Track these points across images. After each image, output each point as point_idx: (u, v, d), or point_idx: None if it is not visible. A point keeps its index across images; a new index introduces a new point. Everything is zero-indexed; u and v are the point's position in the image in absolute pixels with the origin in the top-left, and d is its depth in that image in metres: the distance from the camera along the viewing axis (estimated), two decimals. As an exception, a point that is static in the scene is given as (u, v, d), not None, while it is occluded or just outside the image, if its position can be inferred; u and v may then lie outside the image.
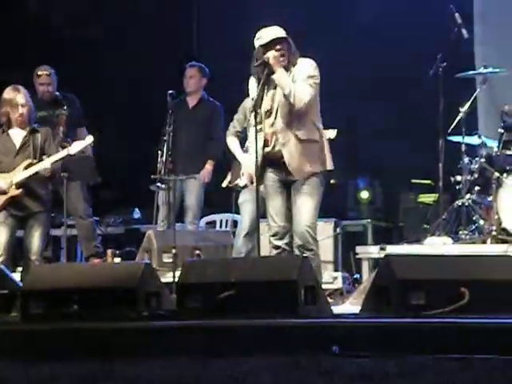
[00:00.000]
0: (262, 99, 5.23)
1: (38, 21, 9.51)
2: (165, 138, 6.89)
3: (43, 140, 6.21)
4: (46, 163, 6.09)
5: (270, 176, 5.35)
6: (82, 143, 6.30)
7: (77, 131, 7.43)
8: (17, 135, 6.23)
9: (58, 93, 7.43)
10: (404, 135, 8.61)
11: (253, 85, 5.32)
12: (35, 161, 6.14)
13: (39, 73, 7.35)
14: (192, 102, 7.56)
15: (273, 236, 5.33)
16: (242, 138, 6.59)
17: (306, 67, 5.26)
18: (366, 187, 8.82)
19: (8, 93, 6.19)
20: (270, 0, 8.27)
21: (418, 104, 8.30)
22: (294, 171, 5.24)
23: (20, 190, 6.10)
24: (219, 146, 7.22)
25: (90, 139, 6.38)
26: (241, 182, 6.65)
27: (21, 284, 5.01)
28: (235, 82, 5.85)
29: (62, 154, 6.15)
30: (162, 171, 7.02)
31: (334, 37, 8.61)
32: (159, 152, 7.27)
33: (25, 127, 6.23)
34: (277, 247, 5.32)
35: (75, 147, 6.22)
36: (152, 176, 7.24)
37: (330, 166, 5.35)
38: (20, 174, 6.12)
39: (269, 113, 5.26)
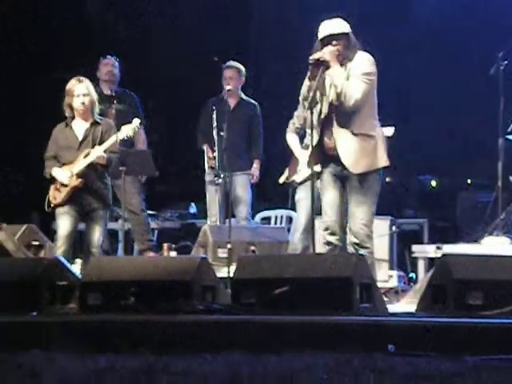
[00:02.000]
0: (316, 94, 5.20)
1: (93, 21, 9.63)
2: (214, 134, 7.00)
3: (104, 131, 6.30)
4: (100, 150, 6.16)
5: (326, 170, 5.33)
6: (130, 126, 6.34)
7: None
8: (79, 128, 6.32)
9: (117, 88, 7.53)
10: (463, 134, 8.52)
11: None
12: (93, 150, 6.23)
13: (107, 58, 7.48)
14: (232, 102, 7.60)
15: (325, 230, 5.31)
16: (302, 135, 6.62)
17: (363, 63, 5.21)
18: (433, 178, 8.78)
19: (70, 83, 6.30)
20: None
21: (477, 102, 8.20)
22: (349, 165, 5.21)
23: (80, 179, 6.20)
24: (261, 145, 7.56)
25: (136, 122, 6.43)
26: (298, 177, 6.65)
27: (80, 276, 5.08)
28: (295, 79, 5.83)
29: (113, 139, 6.23)
30: (217, 166, 7.09)
31: (397, 36, 8.57)
32: (204, 148, 7.37)
33: (87, 118, 6.31)
34: (329, 243, 5.30)
35: (123, 131, 6.29)
36: (207, 171, 7.32)
37: (385, 162, 5.30)
38: (80, 163, 6.21)
39: (324, 106, 5.24)
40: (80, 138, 6.29)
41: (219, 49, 8.44)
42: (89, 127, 6.31)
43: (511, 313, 4.13)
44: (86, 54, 8.12)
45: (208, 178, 7.49)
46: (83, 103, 6.24)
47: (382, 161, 5.29)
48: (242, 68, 7.62)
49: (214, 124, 7.16)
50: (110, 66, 7.52)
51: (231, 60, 7.59)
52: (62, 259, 5.24)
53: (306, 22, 5.51)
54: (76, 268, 6.08)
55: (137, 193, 7.51)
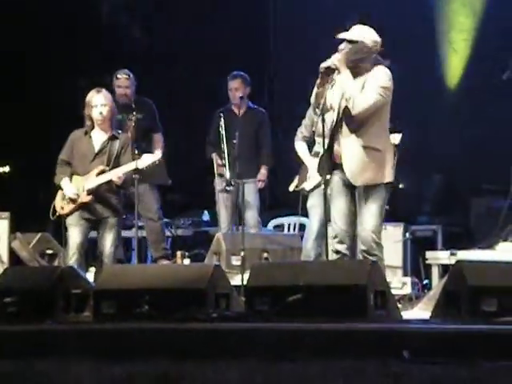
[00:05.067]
0: (327, 101, 5.20)
1: (110, 28, 9.69)
2: (224, 142, 7.04)
3: (120, 147, 6.30)
4: (116, 173, 6.16)
5: (335, 178, 5.33)
6: (151, 159, 6.33)
7: (152, 136, 7.54)
8: (98, 139, 6.33)
9: (132, 97, 7.55)
10: (475, 139, 8.51)
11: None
12: (107, 168, 6.23)
13: (118, 75, 7.51)
14: (240, 111, 7.62)
15: (334, 238, 5.30)
16: (310, 143, 6.63)
17: (381, 76, 5.19)
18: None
19: (89, 94, 6.34)
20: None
21: (492, 108, 8.20)
22: (351, 177, 5.19)
23: (90, 196, 6.19)
24: (270, 152, 7.62)
25: (158, 155, 6.45)
26: (307, 185, 6.65)
27: (93, 284, 5.09)
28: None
29: (131, 166, 6.21)
30: (227, 174, 7.12)
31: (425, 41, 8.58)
32: (213, 156, 7.40)
33: (106, 129, 6.32)
34: (337, 251, 5.29)
35: (144, 162, 6.26)
36: (216, 178, 7.34)
37: (389, 178, 5.24)
38: (92, 180, 6.20)
39: (332, 112, 5.24)
40: (96, 150, 6.31)
41: (237, 59, 8.50)
42: (106, 140, 6.32)
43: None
44: (110, 62, 8.16)
45: (218, 185, 7.52)
46: (101, 113, 6.26)
47: (386, 177, 5.24)
48: (247, 77, 7.66)
49: (223, 133, 7.17)
50: (122, 89, 7.47)
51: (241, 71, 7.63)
52: (76, 267, 5.26)
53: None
54: (90, 276, 6.10)
55: (154, 200, 7.53)
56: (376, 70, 5.22)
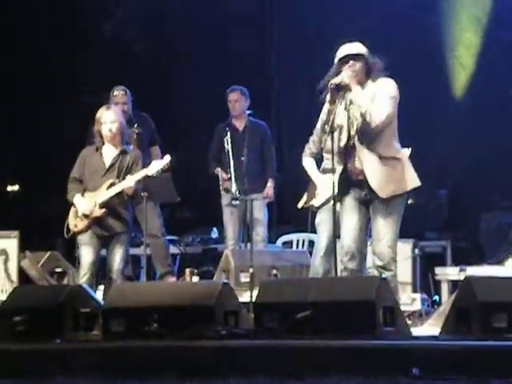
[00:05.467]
0: (336, 118, 5.21)
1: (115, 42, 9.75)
2: (230, 158, 7.04)
3: (131, 162, 6.31)
4: (132, 180, 6.18)
5: (348, 195, 5.32)
6: (160, 163, 6.36)
7: (151, 150, 7.57)
8: (108, 155, 6.35)
9: (131, 113, 7.59)
10: (484, 154, 8.50)
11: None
12: (117, 181, 6.25)
13: (115, 93, 7.54)
14: (239, 125, 7.65)
15: (344, 256, 5.29)
16: (318, 159, 6.62)
17: (389, 88, 5.22)
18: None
19: (99, 111, 6.36)
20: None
21: (499, 122, 8.20)
22: (377, 189, 5.20)
23: (103, 210, 6.21)
24: (275, 165, 7.63)
25: (167, 159, 6.45)
26: (316, 202, 6.64)
27: (102, 303, 5.09)
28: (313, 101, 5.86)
29: (141, 174, 6.24)
30: (233, 188, 7.11)
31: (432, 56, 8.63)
32: (217, 171, 7.40)
33: (117, 145, 6.34)
34: (347, 269, 5.27)
35: (153, 168, 6.29)
36: (222, 193, 7.35)
37: (414, 183, 5.28)
38: (103, 194, 6.22)
39: (342, 130, 5.24)
40: (107, 165, 6.32)
41: (238, 73, 8.53)
42: (117, 155, 6.34)
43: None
44: (115, 78, 8.19)
45: (224, 200, 7.52)
46: (111, 130, 6.29)
47: (411, 183, 5.28)
48: (246, 90, 7.68)
49: (228, 148, 7.15)
50: (120, 105, 7.37)
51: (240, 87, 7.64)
52: (86, 286, 5.25)
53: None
54: (99, 294, 6.09)
55: (157, 216, 7.54)
56: (382, 82, 5.24)
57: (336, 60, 5.26)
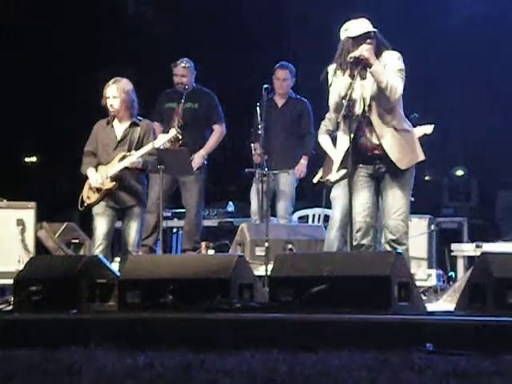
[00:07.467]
0: (353, 92, 5.18)
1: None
2: (259, 132, 6.98)
3: (143, 133, 6.32)
4: (136, 156, 6.19)
5: (359, 170, 5.32)
6: (165, 136, 6.39)
7: (213, 128, 7.51)
8: (119, 128, 6.36)
9: (193, 86, 7.49)
10: (502, 133, 8.45)
11: (338, 77, 5.23)
12: (129, 154, 6.26)
13: (177, 63, 7.48)
14: (280, 101, 7.64)
15: (357, 232, 5.28)
16: (334, 136, 6.61)
17: (396, 61, 5.22)
18: (460, 167, 8.72)
19: (106, 85, 6.34)
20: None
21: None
22: (397, 161, 5.19)
23: (114, 182, 6.23)
24: (312, 142, 7.42)
25: (172, 132, 6.46)
26: (332, 177, 6.64)
27: (118, 274, 5.12)
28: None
29: (148, 147, 6.24)
30: (258, 164, 7.09)
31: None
32: (252, 145, 7.36)
33: (126, 118, 6.34)
34: (361, 245, 5.27)
35: (159, 140, 6.31)
36: (247, 170, 7.32)
37: (423, 156, 5.32)
38: (114, 166, 6.24)
39: (359, 104, 5.22)
40: (118, 138, 6.33)
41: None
42: (127, 128, 6.34)
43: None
44: (136, 55, 8.19)
45: (254, 175, 7.50)
46: (112, 105, 6.26)
47: (421, 155, 5.31)
48: (293, 68, 7.65)
49: (259, 123, 7.11)
50: (178, 77, 7.44)
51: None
52: (102, 257, 5.28)
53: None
54: (115, 266, 6.13)
55: (196, 193, 7.45)
56: (388, 56, 5.23)
57: (349, 37, 5.19)
